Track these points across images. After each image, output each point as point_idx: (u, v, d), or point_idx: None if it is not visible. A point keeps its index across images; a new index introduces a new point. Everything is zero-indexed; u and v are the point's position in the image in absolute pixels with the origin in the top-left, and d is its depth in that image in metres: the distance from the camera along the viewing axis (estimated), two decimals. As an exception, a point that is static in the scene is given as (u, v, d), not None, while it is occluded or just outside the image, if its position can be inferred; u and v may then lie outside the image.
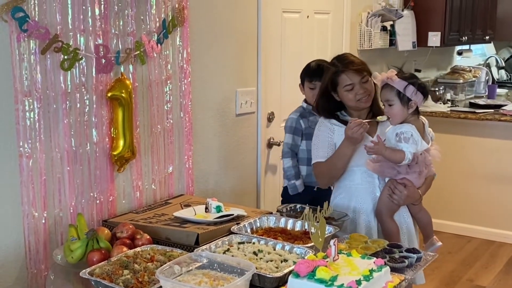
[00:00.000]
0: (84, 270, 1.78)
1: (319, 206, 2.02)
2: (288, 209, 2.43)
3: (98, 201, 2.35)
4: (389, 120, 2.35)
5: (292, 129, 2.95)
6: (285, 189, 3.05)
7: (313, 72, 2.89)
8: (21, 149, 2.06)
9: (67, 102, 2.19)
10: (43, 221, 2.16)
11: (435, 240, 2.47)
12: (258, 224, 2.25)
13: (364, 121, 2.32)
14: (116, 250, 1.96)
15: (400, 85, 2.28)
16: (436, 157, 2.37)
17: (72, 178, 2.24)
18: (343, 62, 2.42)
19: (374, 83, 2.43)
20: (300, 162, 3.00)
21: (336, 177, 2.48)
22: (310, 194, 2.96)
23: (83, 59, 2.22)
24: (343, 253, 1.79)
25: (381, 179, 2.43)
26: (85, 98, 2.25)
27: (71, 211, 2.25)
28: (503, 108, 4.87)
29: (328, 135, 2.47)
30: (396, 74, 2.31)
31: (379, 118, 2.38)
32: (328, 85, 2.44)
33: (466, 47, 6.18)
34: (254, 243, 2.02)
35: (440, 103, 5.09)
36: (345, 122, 2.45)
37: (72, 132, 2.22)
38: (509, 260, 4.39)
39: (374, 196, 2.43)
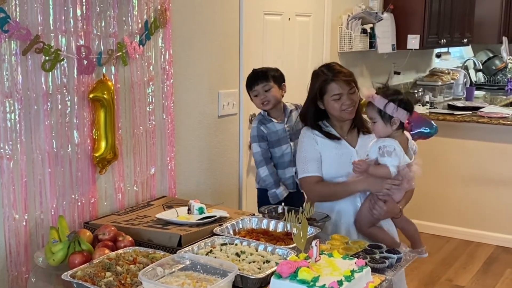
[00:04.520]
0: (65, 273, 1.77)
1: (301, 208, 2.04)
2: (270, 210, 2.45)
3: (79, 203, 2.34)
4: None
5: (256, 138, 2.88)
6: (260, 193, 2.99)
7: (250, 82, 2.89)
8: (1, 150, 2.05)
9: (49, 103, 2.17)
10: (24, 223, 2.14)
11: (423, 250, 2.48)
12: (241, 226, 2.26)
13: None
14: (98, 252, 1.95)
15: (380, 103, 2.27)
16: (418, 172, 2.37)
17: (53, 180, 2.22)
18: (333, 71, 2.43)
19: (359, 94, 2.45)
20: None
21: (329, 201, 2.50)
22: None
23: (65, 60, 2.20)
24: (325, 254, 1.80)
25: None
26: (67, 99, 2.24)
27: (52, 213, 2.23)
28: (480, 110, 4.95)
29: (314, 146, 2.47)
30: (377, 91, 2.31)
31: None
32: (317, 92, 2.44)
33: (444, 49, 6.26)
34: (236, 244, 2.03)
35: (419, 105, 5.15)
36: (327, 134, 2.47)
37: (53, 134, 2.20)
38: (487, 260, 4.47)
39: (355, 205, 2.47)
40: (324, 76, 2.43)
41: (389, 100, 2.27)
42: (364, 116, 2.53)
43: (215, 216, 2.30)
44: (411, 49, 5.05)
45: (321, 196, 2.49)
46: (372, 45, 4.68)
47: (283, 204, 2.52)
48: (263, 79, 2.83)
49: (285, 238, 2.14)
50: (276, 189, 2.86)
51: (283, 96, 2.91)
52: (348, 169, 2.39)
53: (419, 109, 5.01)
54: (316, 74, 2.49)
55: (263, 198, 2.93)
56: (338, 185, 2.44)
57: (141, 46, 2.51)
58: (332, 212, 2.46)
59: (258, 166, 2.90)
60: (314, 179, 2.47)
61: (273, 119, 2.87)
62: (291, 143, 2.88)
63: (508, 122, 4.55)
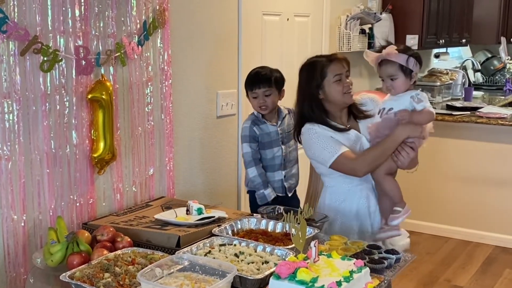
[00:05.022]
0: (64, 274, 1.77)
1: (300, 208, 2.04)
2: (269, 211, 2.45)
3: (78, 204, 2.34)
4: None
5: (247, 138, 2.85)
6: (251, 195, 2.95)
7: (251, 82, 2.86)
8: (-1, 151, 2.05)
9: (47, 104, 2.17)
10: (22, 224, 2.14)
11: (406, 208, 2.42)
12: (239, 226, 2.26)
13: None
14: (97, 253, 1.95)
15: (401, 59, 2.32)
16: (431, 128, 2.41)
17: (52, 180, 2.22)
18: (326, 56, 2.46)
19: None
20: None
21: (380, 165, 2.38)
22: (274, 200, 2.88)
23: (63, 61, 2.20)
24: (324, 254, 1.80)
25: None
26: (65, 100, 2.24)
27: (51, 214, 2.23)
28: (479, 110, 4.95)
29: (328, 133, 2.40)
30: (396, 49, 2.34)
31: None
32: (318, 77, 2.40)
33: (443, 50, 6.27)
34: (235, 245, 2.03)
35: (418, 105, 5.15)
36: (335, 128, 2.42)
37: (51, 134, 2.20)
38: (486, 260, 4.47)
39: (368, 197, 2.47)
40: (321, 62, 2.42)
41: (408, 55, 2.33)
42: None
43: (214, 216, 2.30)
44: (410, 50, 5.05)
45: (374, 160, 2.34)
46: (370, 45, 4.68)
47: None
48: (266, 83, 2.82)
49: (284, 238, 2.14)
50: (264, 190, 2.85)
51: (280, 100, 2.91)
52: None
53: (417, 109, 5.01)
54: (308, 66, 2.45)
55: (255, 201, 2.92)
56: (383, 141, 2.34)
57: (139, 46, 2.51)
58: (343, 211, 2.46)
59: (247, 166, 2.89)
60: (350, 153, 2.36)
61: (266, 121, 2.86)
62: (283, 146, 2.88)
63: (507, 123, 4.55)
